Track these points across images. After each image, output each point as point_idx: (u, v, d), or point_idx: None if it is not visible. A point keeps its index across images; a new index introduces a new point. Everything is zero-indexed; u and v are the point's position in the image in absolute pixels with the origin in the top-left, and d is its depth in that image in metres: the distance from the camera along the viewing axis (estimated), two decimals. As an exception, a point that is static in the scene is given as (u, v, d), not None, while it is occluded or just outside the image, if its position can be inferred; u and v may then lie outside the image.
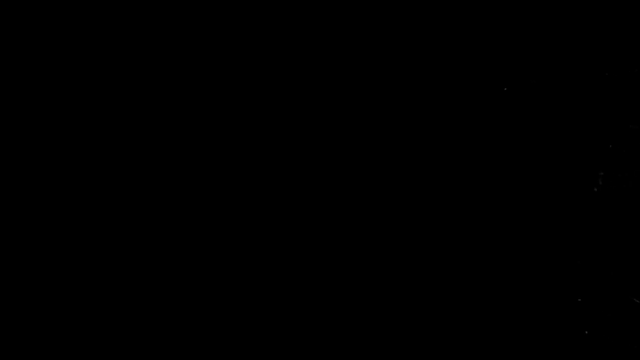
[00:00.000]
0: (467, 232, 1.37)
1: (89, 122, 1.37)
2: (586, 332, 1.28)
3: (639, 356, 1.23)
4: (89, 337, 1.34)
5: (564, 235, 1.33)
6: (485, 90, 1.36)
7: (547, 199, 1.34)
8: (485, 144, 1.37)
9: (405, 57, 1.39)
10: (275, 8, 1.38)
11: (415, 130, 1.39)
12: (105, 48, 1.37)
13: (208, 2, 1.37)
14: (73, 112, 1.37)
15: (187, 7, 1.37)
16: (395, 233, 1.38)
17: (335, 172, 1.40)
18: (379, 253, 1.39)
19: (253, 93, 1.41)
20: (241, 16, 1.38)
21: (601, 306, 1.28)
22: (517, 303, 1.33)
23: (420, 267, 1.37)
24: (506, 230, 1.35)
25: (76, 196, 1.36)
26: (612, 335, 1.26)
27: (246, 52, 1.40)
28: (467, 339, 1.34)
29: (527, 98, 1.35)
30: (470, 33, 1.37)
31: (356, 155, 1.40)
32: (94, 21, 1.36)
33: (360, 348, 1.36)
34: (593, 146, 1.32)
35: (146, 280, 1.37)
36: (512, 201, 1.36)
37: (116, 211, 1.37)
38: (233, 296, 1.38)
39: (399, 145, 1.39)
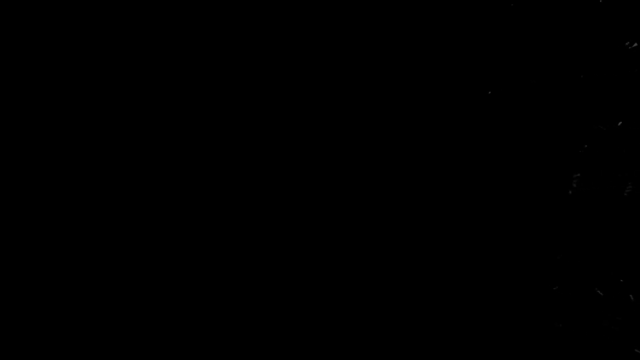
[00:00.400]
0: (453, 227, 1.40)
1: (89, 122, 1.39)
2: (560, 325, 1.34)
3: (599, 339, 1.30)
4: (89, 336, 1.36)
5: (542, 233, 1.37)
6: (465, 96, 1.40)
7: (529, 199, 1.38)
8: (470, 146, 1.40)
9: (398, 61, 1.41)
10: (276, 9, 1.39)
11: (406, 130, 1.41)
12: (106, 48, 1.39)
13: (208, 3, 1.38)
14: (74, 112, 1.39)
15: (187, 7, 1.38)
16: (377, 228, 1.41)
17: (330, 172, 1.42)
18: (364, 246, 1.41)
19: (253, 94, 1.42)
20: (241, 17, 1.39)
21: (570, 297, 1.34)
22: (502, 295, 1.38)
23: (406, 258, 1.40)
24: (488, 226, 1.39)
25: (76, 196, 1.38)
26: (578, 322, 1.32)
27: (246, 54, 1.41)
28: (448, 326, 1.38)
29: (506, 101, 1.39)
30: (446, 44, 1.40)
31: (350, 155, 1.42)
32: (94, 21, 1.37)
33: (354, 345, 1.39)
34: (568, 148, 1.37)
35: (146, 279, 1.39)
36: (496, 200, 1.39)
37: (116, 210, 1.39)
38: (233, 295, 1.40)
39: (378, 146, 1.42)
